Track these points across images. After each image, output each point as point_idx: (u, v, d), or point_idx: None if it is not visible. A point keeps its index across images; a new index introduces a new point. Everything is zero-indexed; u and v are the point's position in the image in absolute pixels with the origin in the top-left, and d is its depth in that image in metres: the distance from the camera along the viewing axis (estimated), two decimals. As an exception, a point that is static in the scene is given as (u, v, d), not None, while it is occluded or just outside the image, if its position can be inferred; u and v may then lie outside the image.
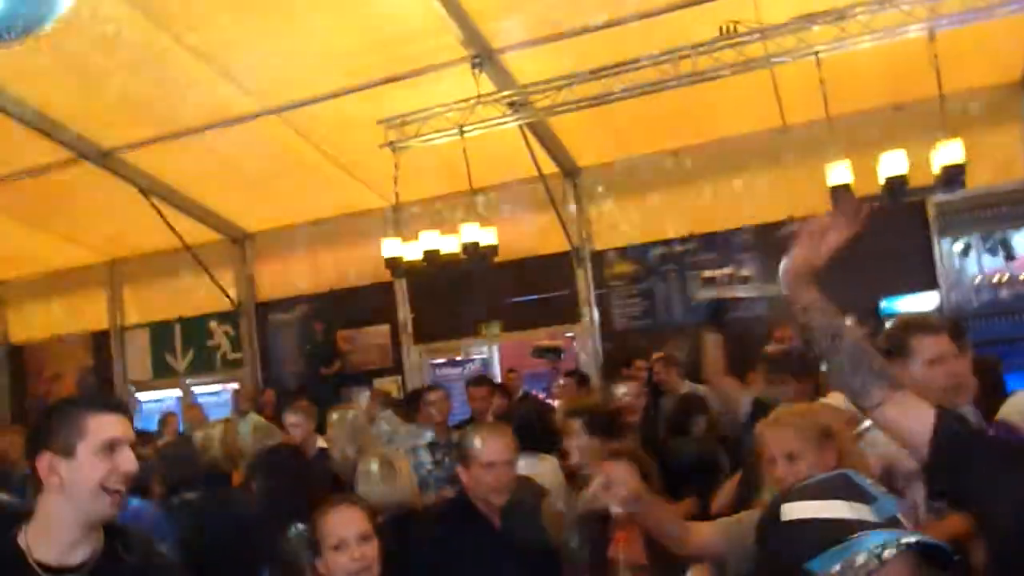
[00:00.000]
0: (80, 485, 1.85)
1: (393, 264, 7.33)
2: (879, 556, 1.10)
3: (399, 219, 7.98)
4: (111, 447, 1.87)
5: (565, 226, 8.71)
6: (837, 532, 1.14)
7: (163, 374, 10.85)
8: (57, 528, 1.87)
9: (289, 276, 10.27)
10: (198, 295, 10.32)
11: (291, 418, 4.97)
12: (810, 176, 6.57)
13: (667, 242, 8.66)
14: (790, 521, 1.20)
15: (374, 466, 3.31)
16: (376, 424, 5.59)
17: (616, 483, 2.19)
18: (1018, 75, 7.29)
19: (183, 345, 10.78)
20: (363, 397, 9.28)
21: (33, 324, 11.39)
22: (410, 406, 6.43)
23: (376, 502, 3.19)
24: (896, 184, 5.97)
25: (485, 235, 7.17)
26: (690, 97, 7.01)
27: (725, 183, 8.25)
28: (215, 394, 10.57)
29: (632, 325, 8.79)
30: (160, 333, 10.87)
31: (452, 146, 7.31)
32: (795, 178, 7.44)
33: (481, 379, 6.43)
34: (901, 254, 7.57)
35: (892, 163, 6.02)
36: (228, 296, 10.32)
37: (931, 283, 7.70)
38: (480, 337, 9.45)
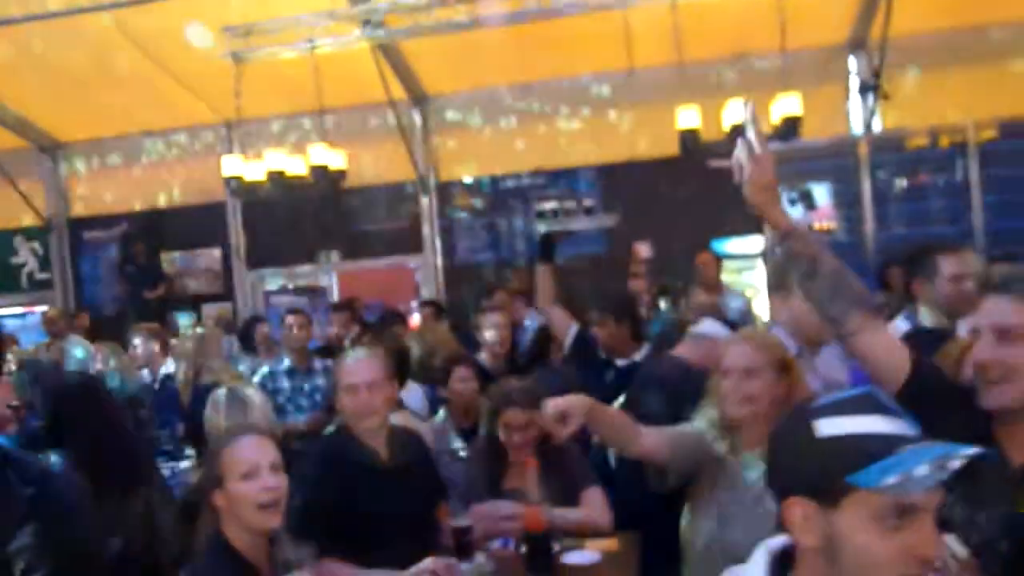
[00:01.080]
0: None
1: (233, 184, 6.92)
2: (943, 466, 1.09)
3: (236, 136, 7.56)
4: None
5: (412, 154, 8.55)
6: (882, 445, 1.13)
7: (-43, 293, 9.82)
8: None
9: (108, 191, 9.52)
10: (1, 208, 9.38)
11: (134, 339, 4.66)
12: (658, 119, 6.78)
13: (513, 176, 8.69)
14: (827, 436, 1.17)
15: (222, 396, 3.12)
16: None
17: (570, 415, 2.16)
18: (846, 37, 7.80)
19: (-18, 262, 9.80)
20: (186, 321, 8.89)
21: None
22: (245, 335, 6.20)
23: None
24: (738, 131, 6.25)
25: (334, 158, 6.91)
26: (544, 32, 7.01)
27: (574, 120, 8.36)
28: (19, 316, 9.71)
29: (475, 258, 8.81)
30: (-45, 247, 9.81)
31: (299, 62, 6.97)
32: (643, 120, 7.66)
33: (343, 304, 6.36)
34: (733, 199, 7.95)
35: (735, 111, 6.30)
36: (36, 210, 9.43)
37: (758, 228, 8.20)
38: (318, 265, 9.18)
